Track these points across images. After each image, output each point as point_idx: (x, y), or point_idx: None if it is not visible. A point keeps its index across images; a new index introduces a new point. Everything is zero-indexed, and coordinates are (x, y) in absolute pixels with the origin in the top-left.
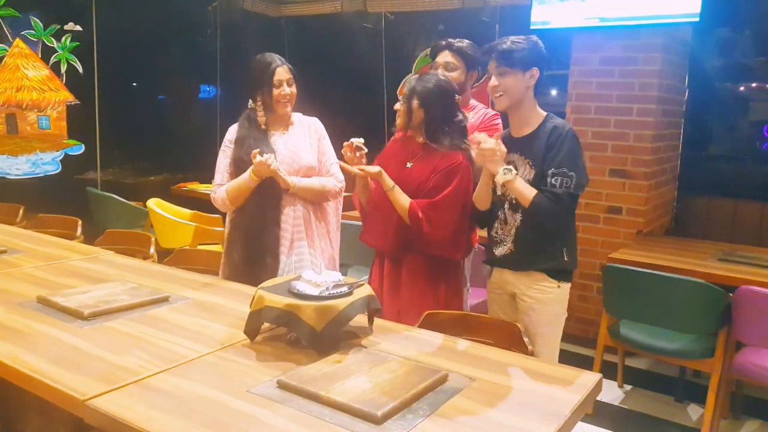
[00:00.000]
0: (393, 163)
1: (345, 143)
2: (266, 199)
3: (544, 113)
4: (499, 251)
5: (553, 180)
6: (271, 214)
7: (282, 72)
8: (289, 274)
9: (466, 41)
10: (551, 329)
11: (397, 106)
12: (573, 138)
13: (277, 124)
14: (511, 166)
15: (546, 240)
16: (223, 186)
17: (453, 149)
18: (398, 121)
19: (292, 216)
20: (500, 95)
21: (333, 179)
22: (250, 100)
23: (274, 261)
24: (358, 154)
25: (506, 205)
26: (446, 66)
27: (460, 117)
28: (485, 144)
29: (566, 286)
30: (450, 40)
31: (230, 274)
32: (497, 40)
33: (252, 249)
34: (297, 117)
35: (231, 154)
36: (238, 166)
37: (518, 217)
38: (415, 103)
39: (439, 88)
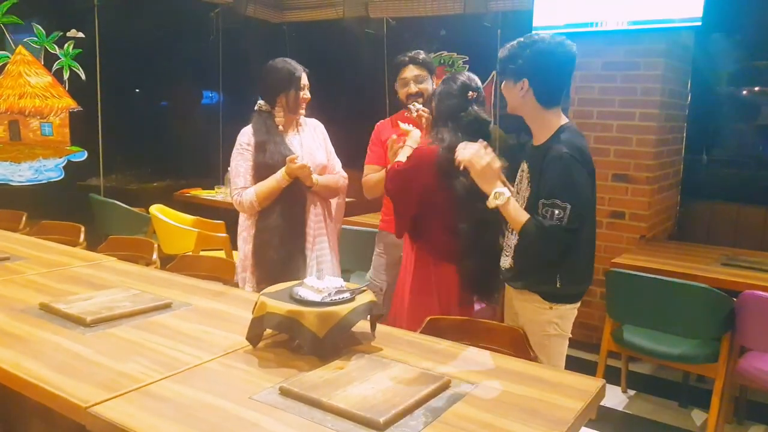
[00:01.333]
0: None
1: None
2: (294, 199)
3: (560, 124)
4: (503, 263)
5: (543, 211)
6: (300, 215)
7: (305, 78)
8: (313, 269)
9: (420, 51)
10: (544, 350)
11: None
12: (568, 163)
13: (290, 126)
14: (504, 189)
15: (540, 264)
16: (249, 189)
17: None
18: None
19: (314, 213)
20: (506, 99)
21: (340, 176)
22: (260, 102)
23: (304, 258)
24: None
25: None
26: (416, 79)
27: (469, 112)
28: (474, 165)
29: (563, 308)
30: (409, 54)
31: (262, 276)
32: (507, 45)
33: (286, 248)
34: (302, 119)
35: (251, 158)
36: (261, 170)
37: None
38: (434, 103)
39: (447, 86)
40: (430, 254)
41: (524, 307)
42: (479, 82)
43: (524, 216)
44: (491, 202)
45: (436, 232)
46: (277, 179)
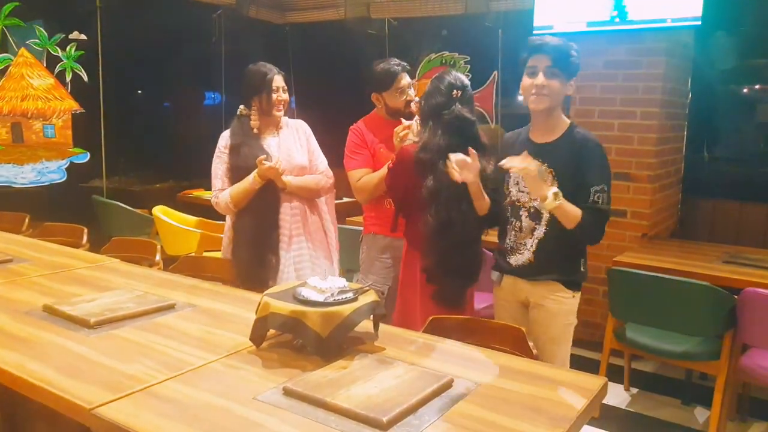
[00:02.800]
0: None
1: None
2: (266, 202)
3: (569, 121)
4: (515, 260)
5: (595, 197)
6: (271, 216)
7: (279, 79)
8: (290, 268)
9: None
10: (563, 338)
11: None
12: (603, 152)
13: (269, 128)
14: (557, 189)
15: (568, 252)
16: (225, 190)
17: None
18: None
19: (289, 213)
20: (545, 95)
21: (323, 176)
22: (241, 107)
23: (276, 258)
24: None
25: (523, 214)
26: (411, 86)
27: (452, 110)
28: (531, 172)
29: (578, 295)
30: (400, 62)
31: (238, 275)
32: (549, 38)
33: (256, 250)
34: (285, 120)
35: (227, 160)
36: (236, 172)
37: (541, 229)
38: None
39: (431, 86)
40: (416, 249)
41: (545, 299)
42: (466, 81)
43: (578, 210)
44: (550, 204)
45: (417, 228)
46: (249, 181)
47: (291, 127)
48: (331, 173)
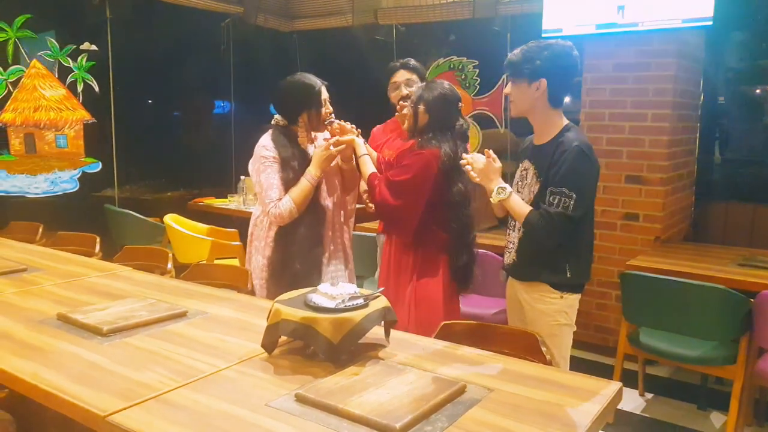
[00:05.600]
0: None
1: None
2: (315, 216)
3: (563, 123)
4: (506, 259)
5: (550, 198)
6: (317, 232)
7: (325, 91)
8: (327, 284)
9: (411, 59)
10: (554, 340)
11: (405, 111)
12: (578, 155)
13: (307, 139)
14: (506, 185)
15: (547, 253)
16: (284, 198)
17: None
18: (405, 125)
19: (331, 229)
20: (511, 102)
21: None
22: (277, 117)
23: (318, 275)
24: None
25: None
26: (407, 83)
27: (461, 122)
28: (476, 163)
29: (571, 297)
30: (401, 60)
31: (278, 290)
32: (517, 49)
33: (303, 269)
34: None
35: (278, 171)
36: (287, 185)
37: (520, 227)
38: (421, 108)
39: (443, 95)
40: (430, 252)
41: (532, 299)
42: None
43: (527, 208)
44: (494, 198)
45: (434, 232)
46: (308, 178)
47: (319, 137)
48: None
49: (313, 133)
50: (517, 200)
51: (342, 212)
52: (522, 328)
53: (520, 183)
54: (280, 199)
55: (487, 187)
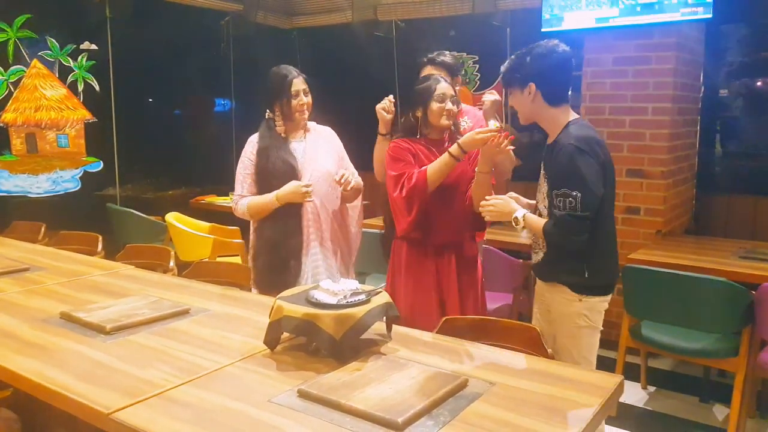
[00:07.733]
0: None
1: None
2: (289, 207)
3: (567, 120)
4: (533, 259)
5: (556, 201)
6: (293, 221)
7: (298, 83)
8: (308, 274)
9: (446, 52)
10: (574, 342)
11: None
12: (573, 153)
13: (295, 132)
14: (516, 212)
15: (566, 255)
16: (244, 198)
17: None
18: (446, 122)
19: (311, 219)
20: (518, 113)
21: (359, 180)
22: (267, 111)
23: (297, 264)
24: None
25: (537, 214)
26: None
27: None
28: (497, 202)
29: (592, 300)
30: (429, 55)
31: (257, 280)
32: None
33: (277, 256)
34: (312, 125)
35: (254, 163)
36: (262, 176)
37: None
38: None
39: None
40: (430, 245)
41: (554, 300)
42: None
43: (542, 221)
44: (518, 229)
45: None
46: (269, 199)
47: (318, 132)
48: (360, 179)
49: (310, 125)
50: (532, 219)
51: (330, 207)
52: (541, 321)
53: (539, 188)
54: (242, 196)
55: (507, 218)
